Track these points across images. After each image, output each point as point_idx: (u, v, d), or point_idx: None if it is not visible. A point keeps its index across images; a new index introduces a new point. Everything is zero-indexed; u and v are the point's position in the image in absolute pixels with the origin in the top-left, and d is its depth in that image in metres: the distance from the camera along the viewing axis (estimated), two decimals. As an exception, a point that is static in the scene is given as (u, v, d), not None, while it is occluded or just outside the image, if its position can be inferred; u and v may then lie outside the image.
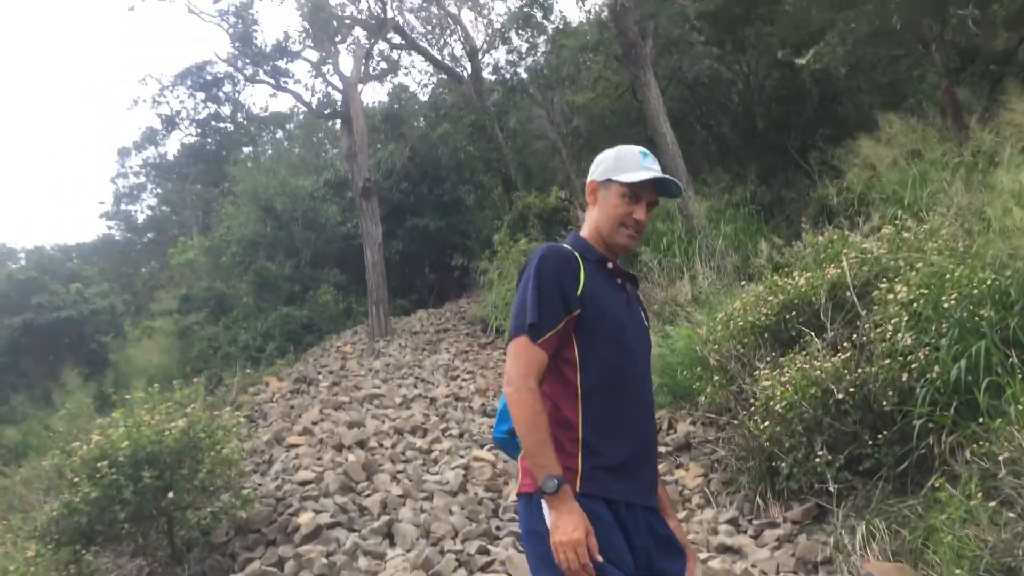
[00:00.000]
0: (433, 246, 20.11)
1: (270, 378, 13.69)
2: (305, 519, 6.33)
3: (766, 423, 6.16)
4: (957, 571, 4.10)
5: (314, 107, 20.15)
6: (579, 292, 2.59)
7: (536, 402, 2.49)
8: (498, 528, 6.26)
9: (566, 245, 2.73)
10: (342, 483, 7.16)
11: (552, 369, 2.57)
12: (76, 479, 6.21)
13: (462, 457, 7.89)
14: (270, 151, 31.44)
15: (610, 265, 2.74)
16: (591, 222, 2.79)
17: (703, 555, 5.43)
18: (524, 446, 2.47)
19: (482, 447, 8.24)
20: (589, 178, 2.81)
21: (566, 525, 2.37)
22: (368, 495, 6.96)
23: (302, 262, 20.16)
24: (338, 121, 19.05)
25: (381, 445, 8.44)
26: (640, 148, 2.80)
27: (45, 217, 75.84)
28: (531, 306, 2.54)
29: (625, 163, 2.74)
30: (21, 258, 26.59)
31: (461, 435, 8.81)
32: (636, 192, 2.71)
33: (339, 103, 18.53)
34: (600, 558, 2.37)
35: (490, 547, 5.76)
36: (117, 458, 6.17)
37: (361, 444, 8.45)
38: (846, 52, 12.92)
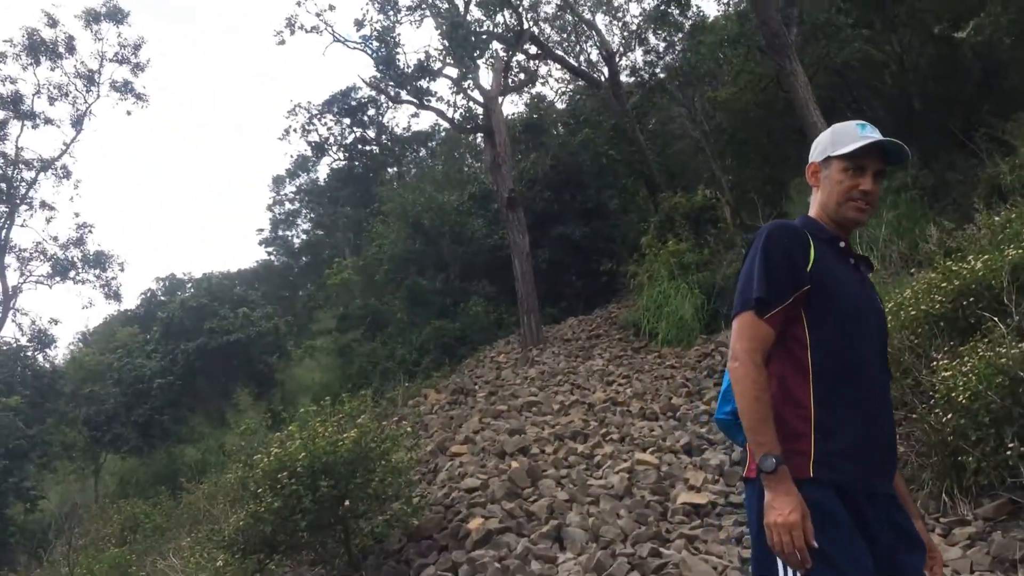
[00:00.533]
0: (579, 253, 20.10)
1: (428, 390, 13.99)
2: (475, 524, 6.42)
3: (949, 416, 5.84)
4: None
5: (456, 122, 20.53)
6: (809, 268, 2.49)
7: (761, 378, 2.41)
8: (668, 531, 6.17)
9: (791, 222, 2.66)
10: (508, 489, 7.23)
11: (780, 349, 2.49)
12: (259, 490, 6.51)
13: (625, 461, 7.82)
14: (414, 170, 32.29)
15: (842, 244, 2.64)
16: (817, 203, 2.69)
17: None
18: (745, 422, 2.39)
19: (644, 450, 8.15)
20: (809, 161, 2.74)
21: (782, 506, 2.29)
22: (534, 500, 7.00)
23: (451, 276, 20.55)
24: (480, 135, 19.36)
25: (543, 451, 8.48)
26: (857, 121, 2.70)
27: (209, 247, 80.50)
28: (758, 280, 2.47)
29: (842, 137, 2.64)
30: (190, 287, 28.22)
31: (622, 439, 8.74)
32: (859, 163, 2.60)
33: (480, 117, 18.83)
34: (816, 543, 2.27)
35: (662, 549, 5.68)
36: (296, 469, 6.42)
37: (523, 451, 8.52)
38: (1010, 20, 12.16)
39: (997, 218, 7.71)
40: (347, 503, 6.34)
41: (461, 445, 9.10)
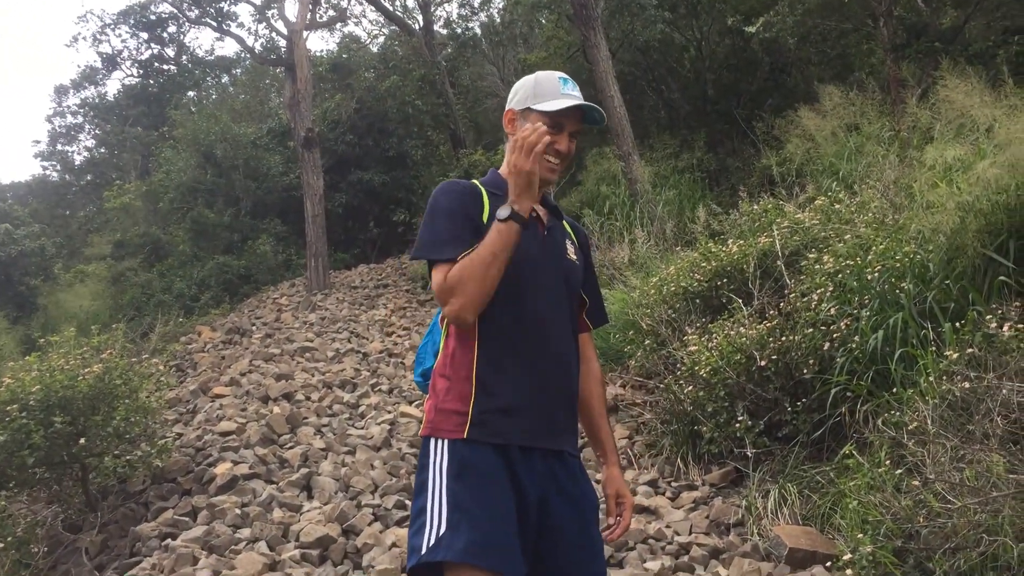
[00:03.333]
0: (377, 200, 19.86)
1: (203, 327, 13.46)
2: (221, 469, 6.24)
3: (691, 387, 6.21)
4: (860, 535, 4.16)
5: (258, 53, 19.67)
6: (484, 220, 2.42)
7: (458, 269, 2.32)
8: (419, 484, 6.22)
9: (473, 180, 2.58)
10: (264, 435, 7.07)
11: None
12: (-15, 422, 6.03)
13: (389, 412, 7.83)
14: (214, 96, 30.70)
15: None
16: (509, 156, 2.49)
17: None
18: (488, 260, 2.28)
19: (411, 403, 8.19)
20: (507, 107, 2.59)
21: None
22: (290, 448, 6.89)
23: (242, 211, 19.79)
24: (283, 69, 18.62)
25: (308, 398, 8.35)
26: (560, 73, 2.58)
27: (-22, 155, 73.60)
28: (426, 239, 2.40)
29: (544, 90, 2.52)
30: (-50, 196, 25.77)
31: (391, 391, 8.74)
32: (558, 121, 2.49)
33: (283, 50, 18.12)
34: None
35: (408, 502, 5.72)
36: (28, 402, 5.99)
37: (288, 397, 8.35)
38: (796, 22, 12.95)
39: (756, 206, 8.23)
40: (83, 441, 5.99)
41: (225, 387, 8.81)
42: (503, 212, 2.30)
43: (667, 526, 5.30)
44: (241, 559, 4.79)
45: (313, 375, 9.23)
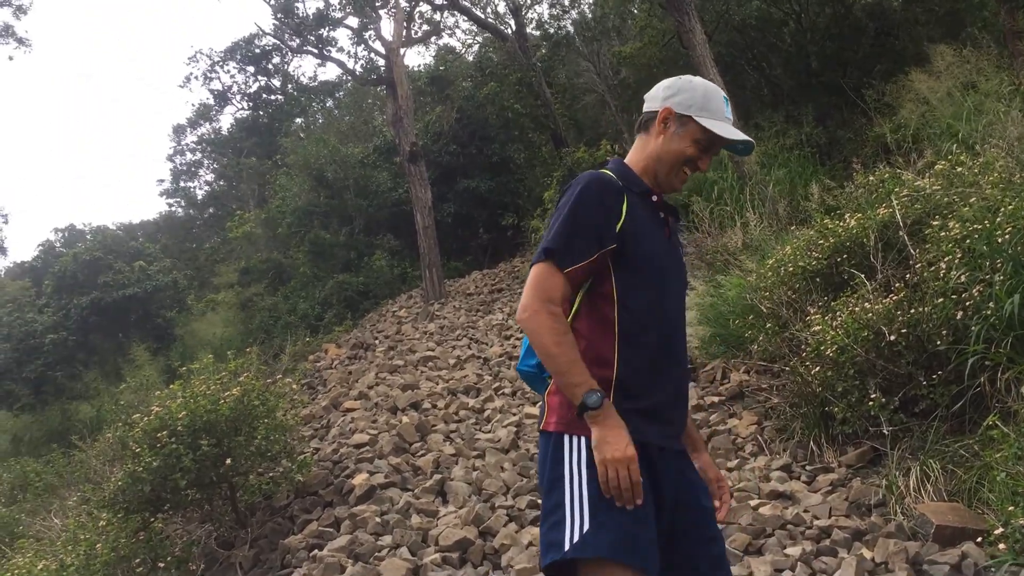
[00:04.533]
0: (485, 207, 20.09)
1: (329, 345, 13.89)
2: (359, 480, 6.44)
3: (818, 368, 6.07)
4: (1011, 508, 4.01)
5: (358, 74, 20.17)
6: (619, 227, 2.42)
7: (558, 323, 2.35)
8: (550, 483, 6.28)
9: (610, 173, 2.53)
10: (396, 444, 7.26)
11: (588, 304, 2.45)
12: (138, 449, 6.39)
13: (514, 415, 7.93)
14: (320, 120, 31.62)
15: (655, 198, 2.57)
16: (647, 151, 2.56)
17: (754, 502, 5.38)
18: (552, 368, 2.33)
19: (535, 404, 8.26)
20: (663, 103, 2.53)
21: (617, 440, 2.26)
22: (421, 455, 7.05)
23: (356, 229, 20.33)
24: (384, 87, 19.03)
25: (435, 406, 8.52)
26: (722, 91, 2.59)
27: (107, 197, 77.77)
28: (560, 234, 2.38)
29: (712, 106, 2.52)
30: (88, 238, 27.30)
31: (514, 393, 8.84)
32: (712, 142, 2.51)
33: (382, 68, 18.53)
34: (639, 479, 2.28)
35: (540, 501, 5.79)
36: (176, 428, 6.33)
37: (415, 406, 8.55)
38: (900, -18, 12.46)
39: (872, 177, 7.97)
40: (229, 461, 6.28)
41: (354, 401, 9.08)
42: (592, 400, 2.28)
43: (805, 510, 5.20)
44: (385, 565, 4.95)
45: (437, 383, 9.42)
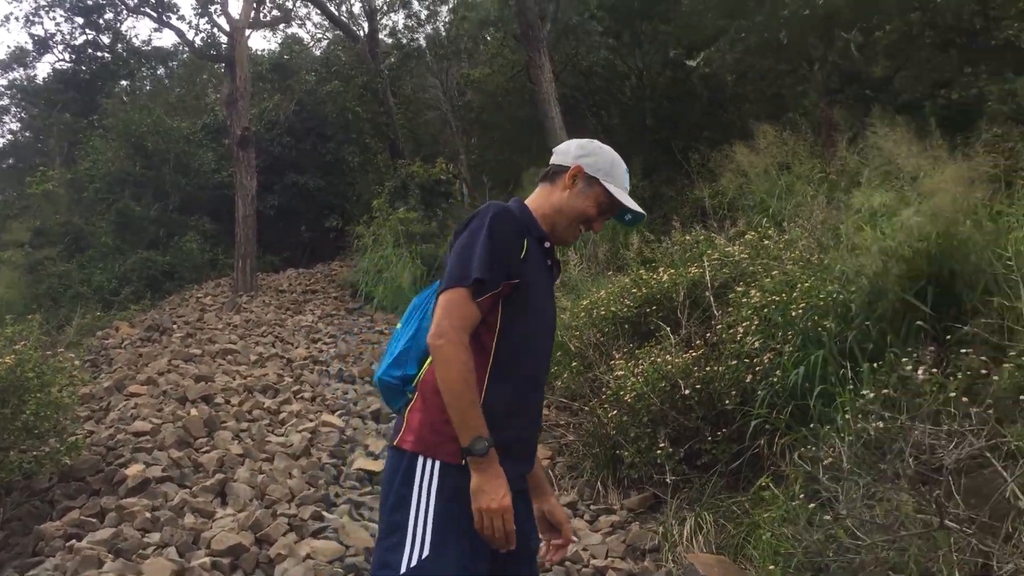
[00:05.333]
0: (311, 205, 19.66)
1: (121, 323, 13.11)
2: (133, 471, 6.05)
3: (615, 412, 6.26)
4: (771, 567, 4.25)
5: (197, 47, 19.33)
6: (522, 259, 2.50)
7: (470, 360, 2.36)
8: (337, 495, 6.15)
9: (514, 211, 2.62)
10: (180, 437, 6.90)
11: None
12: None
13: (311, 421, 7.72)
14: (148, 88, 29.97)
15: (547, 245, 2.65)
16: (551, 201, 2.65)
17: (536, 536, 5.45)
18: (452, 404, 2.32)
19: (333, 412, 8.09)
20: (575, 160, 2.66)
21: (496, 490, 2.30)
22: (206, 452, 6.73)
23: (170, 207, 19.35)
24: (222, 65, 18.31)
25: (228, 402, 8.18)
26: (624, 164, 2.72)
27: None
28: (479, 261, 2.40)
29: (617, 174, 2.66)
30: None
31: (313, 399, 8.63)
32: (610, 208, 2.66)
33: (224, 46, 17.84)
34: (513, 528, 2.32)
35: (325, 513, 5.65)
36: (-66, 393, 5.76)
37: (206, 399, 8.17)
38: (735, 60, 13.26)
39: (688, 237, 8.37)
40: (-10, 434, 5.77)
41: (141, 385, 8.57)
42: (480, 447, 2.30)
43: (584, 549, 5.33)
44: (148, 564, 4.66)
45: (235, 378, 9.06)
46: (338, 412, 8.09)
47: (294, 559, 4.93)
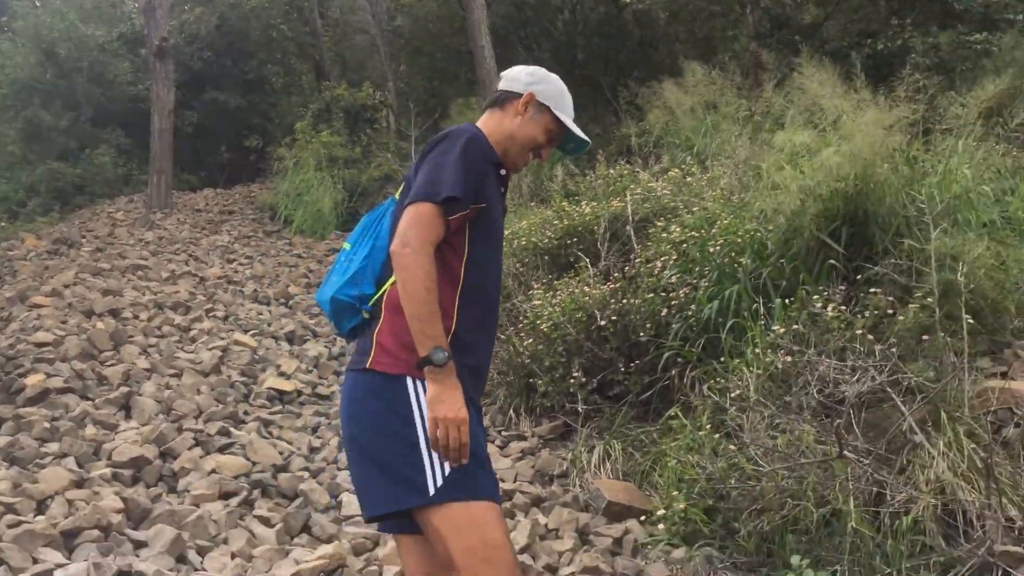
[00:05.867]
0: (231, 124, 19.07)
1: (27, 235, 12.60)
2: (33, 380, 5.86)
3: (530, 341, 6.27)
4: (675, 492, 4.33)
5: (116, -51, 18.42)
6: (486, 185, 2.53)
7: (434, 270, 2.34)
8: (246, 413, 6.06)
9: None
10: (84, 349, 6.69)
11: (436, 254, 2.40)
12: None
13: (222, 339, 7.57)
14: (62, -9, 28.52)
15: (503, 172, 2.66)
16: (503, 128, 2.65)
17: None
18: (413, 311, 2.30)
19: (246, 332, 7.95)
20: (526, 87, 2.66)
21: (453, 401, 2.29)
22: (111, 365, 6.54)
23: (82, 118, 18.53)
24: (141, -30, 17.47)
25: (136, 317, 7.96)
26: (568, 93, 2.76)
27: None
28: (453, 179, 2.39)
29: (565, 102, 2.71)
30: None
31: (226, 317, 8.45)
32: (559, 135, 2.70)
33: (144, -50, 17.00)
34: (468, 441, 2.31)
35: (233, 429, 5.57)
36: None
37: (114, 313, 7.93)
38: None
39: (612, 171, 8.37)
40: None
41: (45, 297, 8.26)
42: (439, 357, 2.29)
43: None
44: (45, 473, 4.53)
45: (144, 294, 8.80)
46: (251, 332, 7.95)
47: (198, 473, 4.86)
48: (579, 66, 16.54)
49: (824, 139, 5.84)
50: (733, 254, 5.61)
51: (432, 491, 2.28)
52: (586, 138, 2.74)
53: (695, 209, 6.47)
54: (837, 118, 6.00)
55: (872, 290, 4.80)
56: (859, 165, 5.21)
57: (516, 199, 10.09)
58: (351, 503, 4.65)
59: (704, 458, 4.40)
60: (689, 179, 7.26)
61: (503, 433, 6.11)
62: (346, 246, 2.67)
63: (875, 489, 3.84)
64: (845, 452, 3.80)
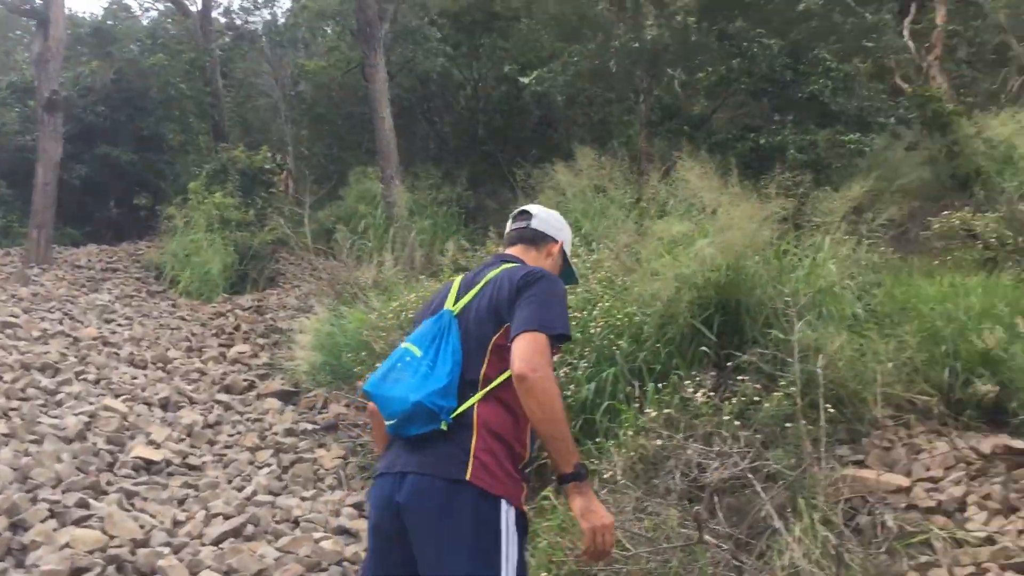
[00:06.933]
0: (122, 180, 18.57)
1: None
2: None
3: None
4: (543, 574, 4.34)
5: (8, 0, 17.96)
6: None
7: (561, 394, 2.58)
8: (109, 483, 5.81)
9: None
10: (-63, 411, 6.34)
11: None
12: None
13: (91, 404, 7.28)
14: (-49, 36, 27.65)
15: None
16: (543, 267, 2.89)
17: (318, 534, 5.36)
18: (556, 434, 2.47)
19: (117, 396, 7.66)
20: (558, 234, 3.04)
21: (600, 509, 2.49)
22: (-34, 430, 6.20)
23: (-37, 165, 17.83)
24: (35, 21, 17.06)
25: (0, 378, 7.59)
26: None
27: None
28: (564, 317, 2.63)
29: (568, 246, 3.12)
30: None
31: (97, 381, 8.13)
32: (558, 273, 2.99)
33: (39, 1, 16.65)
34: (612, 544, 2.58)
35: (92, 501, 5.32)
36: None
37: (-25, 373, 7.55)
38: (566, 82, 13.62)
39: (500, 248, 8.49)
40: None
41: (-98, 355, 7.83)
42: (584, 471, 2.54)
43: (365, 549, 5.25)
44: None
45: (11, 353, 8.40)
46: (122, 397, 7.66)
47: (50, 546, 4.62)
48: (479, 141, 16.84)
49: (701, 229, 6.08)
50: (612, 336, 5.74)
51: None
52: (578, 277, 3.13)
53: (579, 291, 6.60)
54: (714, 210, 6.27)
55: (740, 377, 4.97)
56: (731, 256, 5.45)
57: (409, 270, 10.13)
58: (211, 583, 4.50)
59: (573, 539, 4.43)
60: (575, 260, 7.40)
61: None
62: (414, 349, 2.70)
63: (733, 575, 3.92)
64: (705, 537, 3.88)
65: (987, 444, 4.99)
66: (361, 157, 17.21)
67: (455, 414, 2.56)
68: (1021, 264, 7.03)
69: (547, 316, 2.58)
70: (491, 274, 2.78)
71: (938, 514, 4.47)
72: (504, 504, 2.49)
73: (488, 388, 2.59)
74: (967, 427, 5.30)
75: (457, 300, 2.78)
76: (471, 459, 2.51)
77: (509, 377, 2.55)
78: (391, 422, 2.63)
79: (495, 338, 2.64)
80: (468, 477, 2.48)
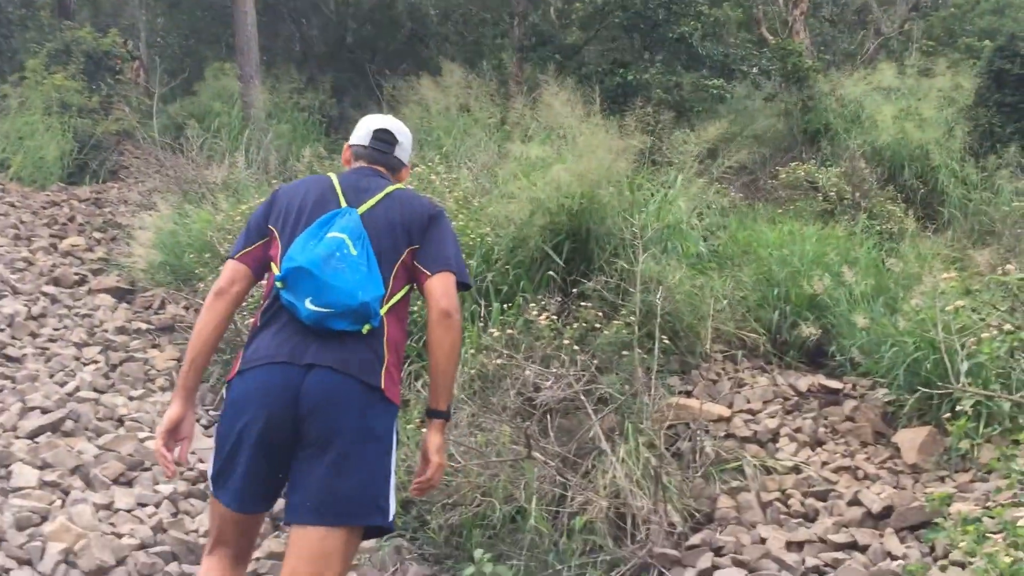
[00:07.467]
0: (-49, 50, 17.10)
1: None
2: None
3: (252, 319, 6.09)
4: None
5: None
6: None
7: None
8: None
9: None
10: None
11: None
12: None
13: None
14: None
15: None
16: None
17: (143, 434, 5.20)
18: (450, 371, 2.57)
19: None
20: (409, 161, 2.95)
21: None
22: None
23: None
24: None
25: None
26: None
27: None
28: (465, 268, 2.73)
29: None
30: None
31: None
32: None
33: None
34: None
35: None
36: None
37: None
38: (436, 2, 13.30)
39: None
40: None
41: None
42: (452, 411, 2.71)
43: (193, 453, 5.14)
44: None
45: None
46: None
47: None
48: (347, 49, 16.33)
49: (559, 155, 6.11)
50: (463, 257, 5.72)
51: (391, 518, 2.48)
52: None
53: (434, 208, 6.54)
54: (575, 138, 6.31)
55: (583, 304, 5.07)
56: (586, 185, 5.50)
57: (261, 174, 9.81)
58: (21, 474, 4.30)
59: (408, 451, 4.45)
60: (433, 177, 7.33)
61: (211, 412, 5.89)
62: (349, 244, 2.49)
63: (558, 491, 4.05)
64: (534, 453, 3.98)
65: (804, 382, 5.32)
66: (220, 52, 16.41)
67: (380, 322, 2.53)
68: (855, 218, 7.42)
69: (460, 263, 2.67)
70: (388, 188, 2.66)
71: (753, 443, 4.75)
72: (396, 418, 2.55)
73: (391, 302, 2.53)
74: (789, 366, 5.63)
75: (349, 202, 2.59)
76: (383, 369, 2.48)
77: (406, 295, 2.61)
78: (317, 309, 2.42)
79: (403, 256, 2.57)
80: (382, 386, 2.47)
